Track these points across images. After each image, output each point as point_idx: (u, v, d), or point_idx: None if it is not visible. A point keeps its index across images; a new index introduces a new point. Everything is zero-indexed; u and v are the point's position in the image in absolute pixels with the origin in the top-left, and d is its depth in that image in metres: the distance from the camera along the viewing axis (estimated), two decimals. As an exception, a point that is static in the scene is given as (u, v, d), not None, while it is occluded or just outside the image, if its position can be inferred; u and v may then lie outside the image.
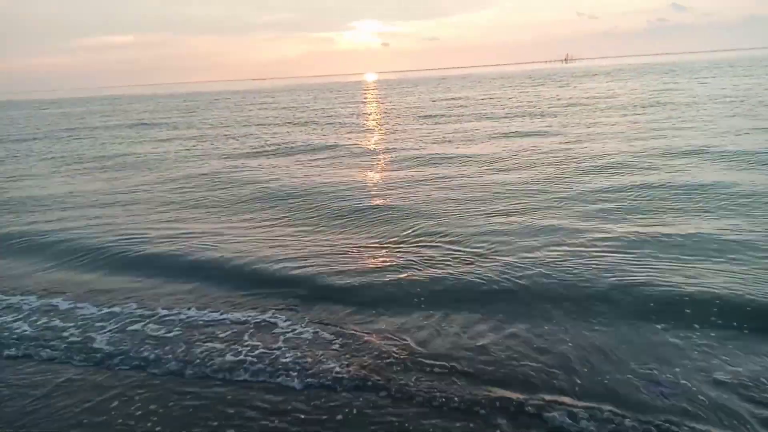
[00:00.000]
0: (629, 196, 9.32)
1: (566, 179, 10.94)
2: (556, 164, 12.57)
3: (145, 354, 5.18)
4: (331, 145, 18.44)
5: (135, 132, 28.46)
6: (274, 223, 9.21)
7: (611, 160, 12.49)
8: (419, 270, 6.52)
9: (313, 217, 9.36)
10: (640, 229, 7.39)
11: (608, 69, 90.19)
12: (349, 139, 20.24)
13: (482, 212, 8.90)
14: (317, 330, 5.38)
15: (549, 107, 29.00)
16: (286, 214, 9.68)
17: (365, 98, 52.78)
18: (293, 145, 19.29)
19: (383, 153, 16.26)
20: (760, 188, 9.16)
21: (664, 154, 12.95)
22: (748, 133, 15.46)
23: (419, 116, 28.59)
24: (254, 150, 18.70)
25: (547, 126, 20.33)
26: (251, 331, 5.52)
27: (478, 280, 6.10)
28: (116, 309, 6.24)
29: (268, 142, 20.71)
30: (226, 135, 24.44)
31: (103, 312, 6.17)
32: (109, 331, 5.70)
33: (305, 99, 56.22)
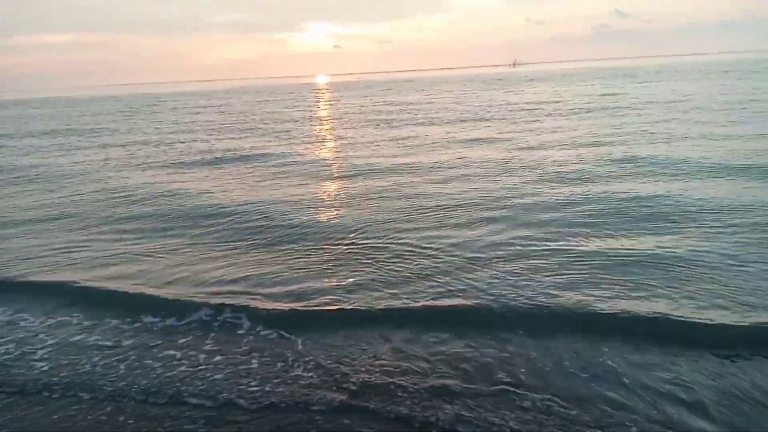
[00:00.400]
0: (576, 207, 9.31)
1: (515, 189, 10.90)
2: (505, 173, 12.54)
3: (88, 367, 4.89)
4: (278, 154, 17.84)
5: (74, 138, 26.99)
6: (215, 241, 8.61)
7: (559, 169, 12.60)
8: (374, 289, 6.29)
9: (257, 235, 8.77)
10: (589, 244, 7.41)
11: (555, 74, 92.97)
12: (297, 146, 19.72)
13: (435, 225, 8.70)
14: (270, 350, 5.16)
15: (498, 112, 29.46)
16: (229, 232, 9.05)
17: (316, 101, 52.24)
18: (239, 152, 18.55)
19: (332, 162, 15.86)
20: (693, 200, 9.32)
21: (608, 162, 13.18)
22: (684, 138, 16.08)
23: (370, 121, 28.39)
24: (199, 158, 17.89)
25: (497, 132, 20.51)
26: (213, 334, 5.42)
27: (432, 296, 5.99)
28: (59, 319, 5.92)
29: (214, 148, 19.99)
30: (169, 141, 23.43)
31: (46, 324, 5.83)
32: (49, 346, 5.34)
33: (255, 102, 55.18)
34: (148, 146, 21.86)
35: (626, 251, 6.99)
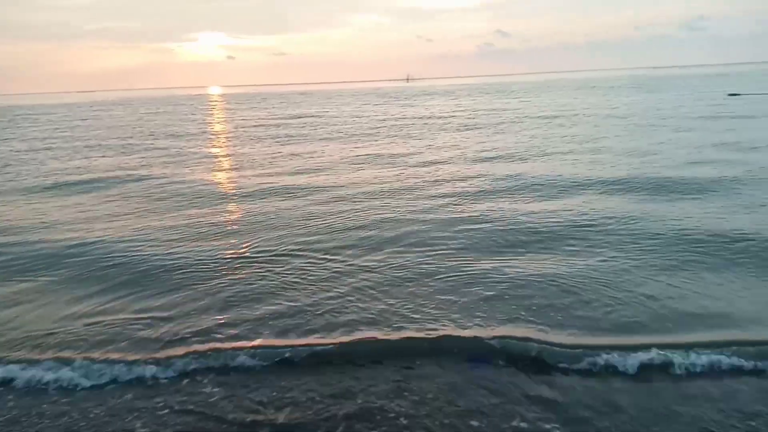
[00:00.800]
0: (469, 226, 9.35)
1: (411, 209, 10.78)
2: (402, 192, 12.48)
3: None
4: (166, 174, 16.57)
5: None
6: (85, 280, 7.48)
7: (453, 187, 12.84)
8: (262, 323, 5.95)
9: (134, 271, 7.65)
10: (481, 264, 7.48)
11: (446, 89, 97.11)
12: (187, 165, 18.43)
13: (332, 250, 8.32)
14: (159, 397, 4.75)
15: (394, 125, 30.24)
16: (101, 270, 7.78)
17: (210, 114, 50.22)
18: (121, 172, 17.00)
19: (225, 183, 14.98)
20: (575, 217, 9.69)
21: (497, 179, 13.48)
22: (562, 153, 17.47)
23: (267, 136, 27.63)
24: (75, 179, 16.21)
25: (393, 148, 20.78)
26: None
27: (326, 330, 5.82)
28: None
29: (92, 167, 18.25)
30: (40, 161, 20.87)
31: None
32: None
33: (143, 114, 51.88)
34: (13, 167, 19.32)
35: (516, 272, 7.14)
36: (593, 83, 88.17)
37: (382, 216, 10.36)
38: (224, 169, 17.47)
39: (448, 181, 13.62)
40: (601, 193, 11.62)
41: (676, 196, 11.11)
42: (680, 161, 14.84)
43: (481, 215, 10.15)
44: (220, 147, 23.80)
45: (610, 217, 9.57)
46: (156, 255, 8.39)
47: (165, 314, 6.30)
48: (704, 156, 15.52)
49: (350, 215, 10.54)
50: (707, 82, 69.24)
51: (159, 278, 7.43)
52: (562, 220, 9.61)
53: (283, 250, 8.42)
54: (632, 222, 9.26)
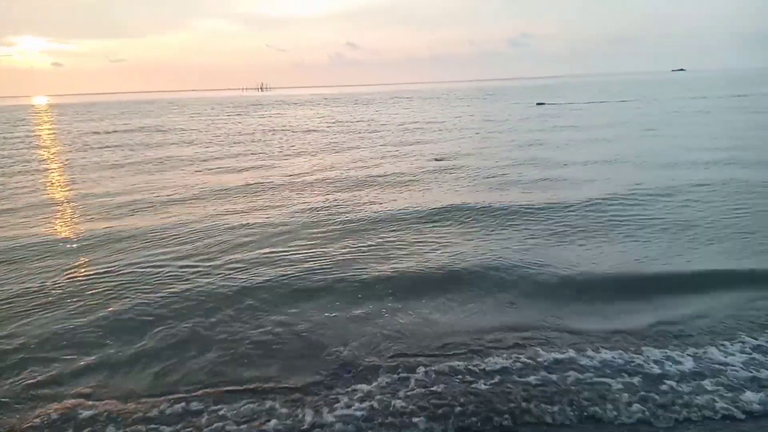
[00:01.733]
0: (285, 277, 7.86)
1: (259, 253, 9.03)
2: (255, 235, 10.21)
3: None
4: None
5: None
6: None
7: (297, 226, 10.76)
8: None
9: None
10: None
11: (300, 98, 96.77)
12: None
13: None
14: None
15: (252, 138, 29.48)
16: None
17: (31, 131, 43.59)
18: None
19: (38, 233, 10.72)
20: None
21: (349, 213, 11.73)
22: (411, 173, 18.33)
23: (102, 162, 22.10)
24: None
25: (249, 173, 18.75)
26: None
27: None
28: None
29: None
30: None
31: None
32: None
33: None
34: None
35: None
36: (438, 94, 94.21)
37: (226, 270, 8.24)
38: (45, 206, 13.37)
39: (298, 217, 11.53)
40: (456, 225, 10.48)
41: (520, 223, 10.36)
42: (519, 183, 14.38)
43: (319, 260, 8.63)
44: (41, 174, 18.74)
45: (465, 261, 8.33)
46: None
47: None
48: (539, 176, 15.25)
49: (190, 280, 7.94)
50: (527, 93, 78.42)
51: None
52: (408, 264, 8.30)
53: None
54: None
